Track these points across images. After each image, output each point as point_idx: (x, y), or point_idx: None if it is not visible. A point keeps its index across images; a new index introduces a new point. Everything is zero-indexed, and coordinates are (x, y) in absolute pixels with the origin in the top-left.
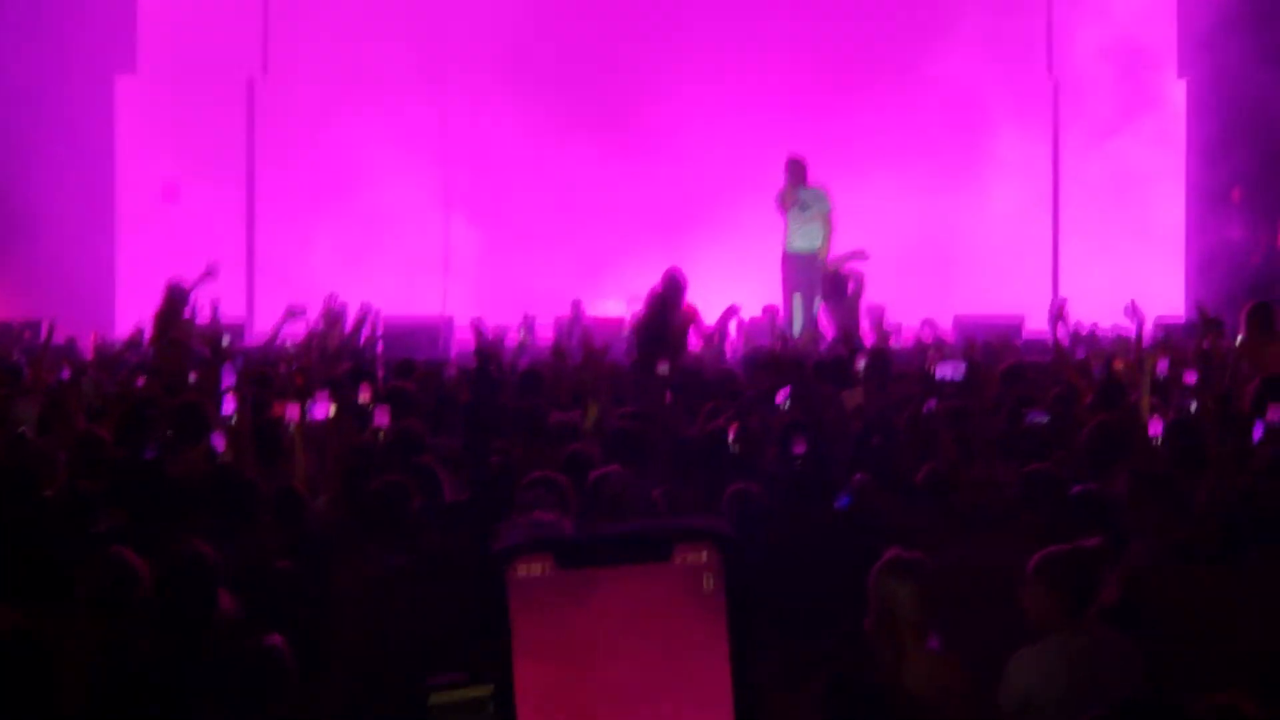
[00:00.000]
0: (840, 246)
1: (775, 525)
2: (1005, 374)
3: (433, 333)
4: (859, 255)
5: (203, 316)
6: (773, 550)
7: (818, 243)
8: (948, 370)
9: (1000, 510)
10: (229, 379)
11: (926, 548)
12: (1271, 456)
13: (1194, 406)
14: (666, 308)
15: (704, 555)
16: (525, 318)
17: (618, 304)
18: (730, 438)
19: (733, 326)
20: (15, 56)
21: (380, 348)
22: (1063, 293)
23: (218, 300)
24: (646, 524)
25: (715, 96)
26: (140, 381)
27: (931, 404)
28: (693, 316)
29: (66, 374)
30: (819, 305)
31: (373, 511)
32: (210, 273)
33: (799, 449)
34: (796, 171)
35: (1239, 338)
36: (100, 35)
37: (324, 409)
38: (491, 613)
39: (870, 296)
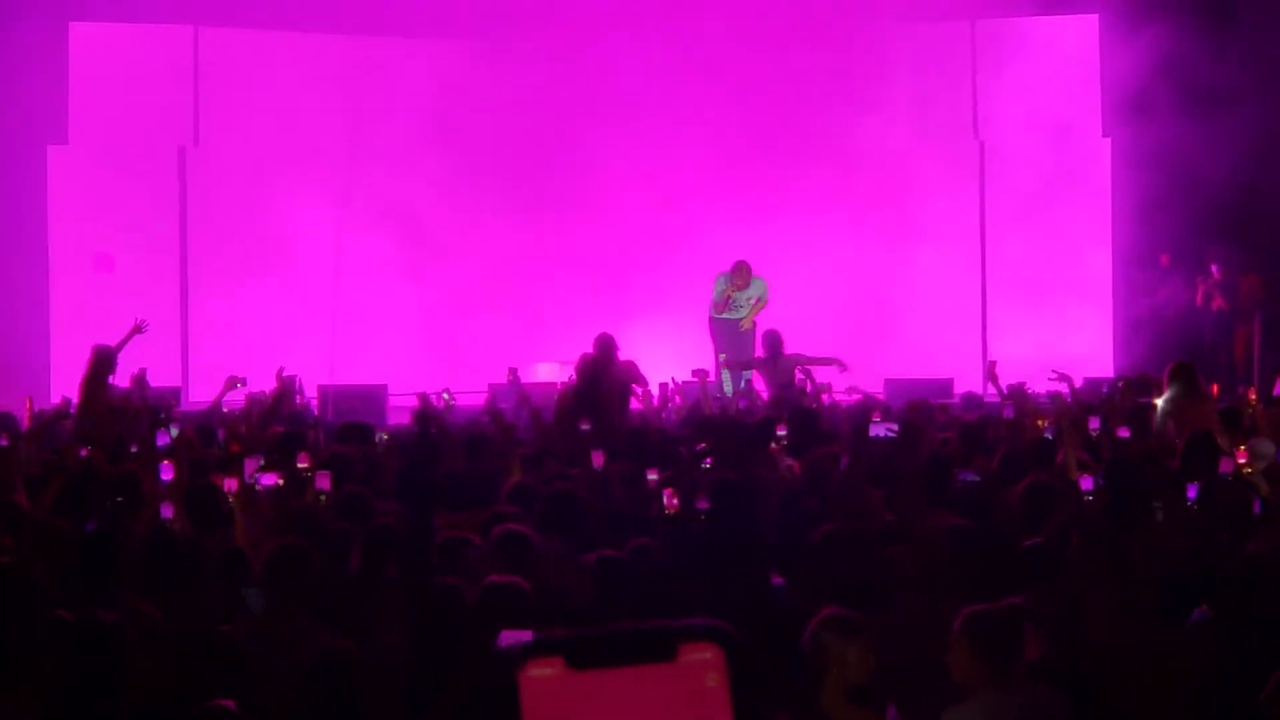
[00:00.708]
0: (771, 316)
1: (681, 581)
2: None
3: (368, 399)
4: (838, 364)
5: (124, 382)
6: (697, 607)
7: (742, 314)
8: (880, 430)
9: (931, 569)
10: (162, 441)
11: (859, 606)
12: (1216, 516)
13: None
14: (598, 371)
15: (708, 654)
16: (445, 390)
17: (550, 368)
18: (667, 501)
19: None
20: None
21: (316, 413)
22: (992, 354)
23: (145, 368)
24: (652, 625)
25: (649, 165)
26: (84, 452)
27: (861, 464)
28: (633, 373)
29: (5, 441)
30: (749, 370)
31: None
32: (139, 329)
33: (702, 504)
34: (740, 274)
35: (1164, 397)
36: (31, 107)
37: (271, 477)
38: (504, 713)
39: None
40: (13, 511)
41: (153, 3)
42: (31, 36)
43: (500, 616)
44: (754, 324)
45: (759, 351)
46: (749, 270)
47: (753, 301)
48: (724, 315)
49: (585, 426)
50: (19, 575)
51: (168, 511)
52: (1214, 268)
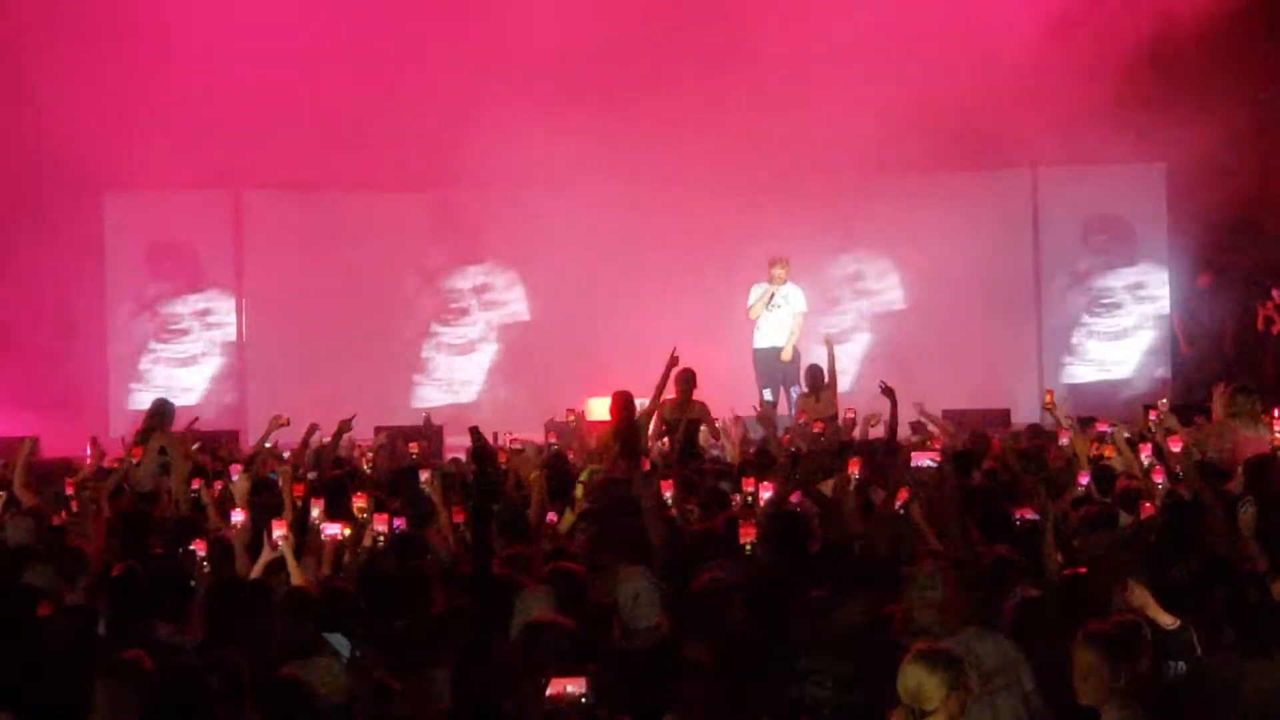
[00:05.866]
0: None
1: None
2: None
3: (422, 439)
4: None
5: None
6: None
7: (782, 340)
8: (923, 460)
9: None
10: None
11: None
12: None
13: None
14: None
15: None
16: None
17: (604, 403)
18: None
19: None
20: (5, 174)
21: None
22: (1049, 384)
23: (198, 417)
24: None
25: (705, 204)
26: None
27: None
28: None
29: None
30: (795, 400)
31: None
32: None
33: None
34: (774, 272)
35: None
36: (88, 152)
37: (334, 527)
38: None
39: (857, 393)
40: (77, 556)
41: None
42: None
43: (541, 657)
44: (796, 353)
45: (804, 385)
46: (781, 268)
47: (794, 301)
48: (765, 328)
49: (646, 468)
50: (82, 617)
51: (201, 549)
52: (1275, 292)
